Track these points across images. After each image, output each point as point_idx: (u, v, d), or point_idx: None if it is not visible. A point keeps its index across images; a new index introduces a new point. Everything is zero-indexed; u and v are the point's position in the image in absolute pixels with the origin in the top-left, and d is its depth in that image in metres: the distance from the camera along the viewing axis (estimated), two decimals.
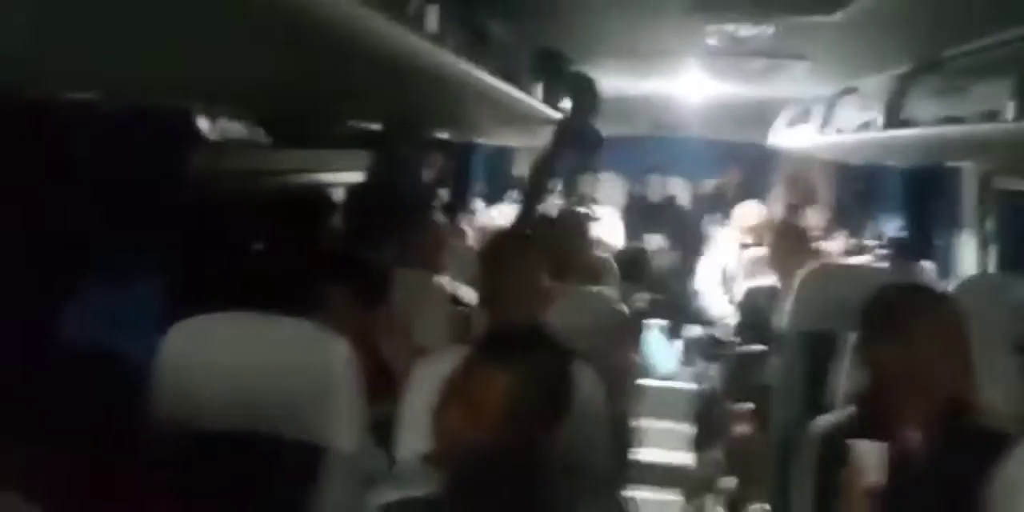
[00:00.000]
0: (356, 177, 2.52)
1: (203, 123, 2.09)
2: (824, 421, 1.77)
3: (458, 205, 3.97)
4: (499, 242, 2.07)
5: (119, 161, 1.35)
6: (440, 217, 2.91)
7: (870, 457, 1.53)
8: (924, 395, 1.58)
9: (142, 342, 1.56)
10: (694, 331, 3.46)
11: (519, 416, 1.30)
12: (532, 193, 4.00)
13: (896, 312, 1.64)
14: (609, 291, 2.53)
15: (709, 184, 5.83)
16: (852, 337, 2.07)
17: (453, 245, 2.85)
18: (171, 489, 1.35)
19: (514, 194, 4.98)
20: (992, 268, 3.17)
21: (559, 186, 5.36)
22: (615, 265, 3.09)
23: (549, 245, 2.23)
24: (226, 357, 1.60)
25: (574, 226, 2.90)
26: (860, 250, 3.86)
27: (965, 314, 1.62)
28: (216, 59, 0.78)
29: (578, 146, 3.83)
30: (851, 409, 1.74)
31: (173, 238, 1.53)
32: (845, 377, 2.08)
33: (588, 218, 3.65)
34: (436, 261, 2.71)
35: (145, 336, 1.57)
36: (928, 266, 3.37)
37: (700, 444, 3.77)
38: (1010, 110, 1.91)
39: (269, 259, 2.18)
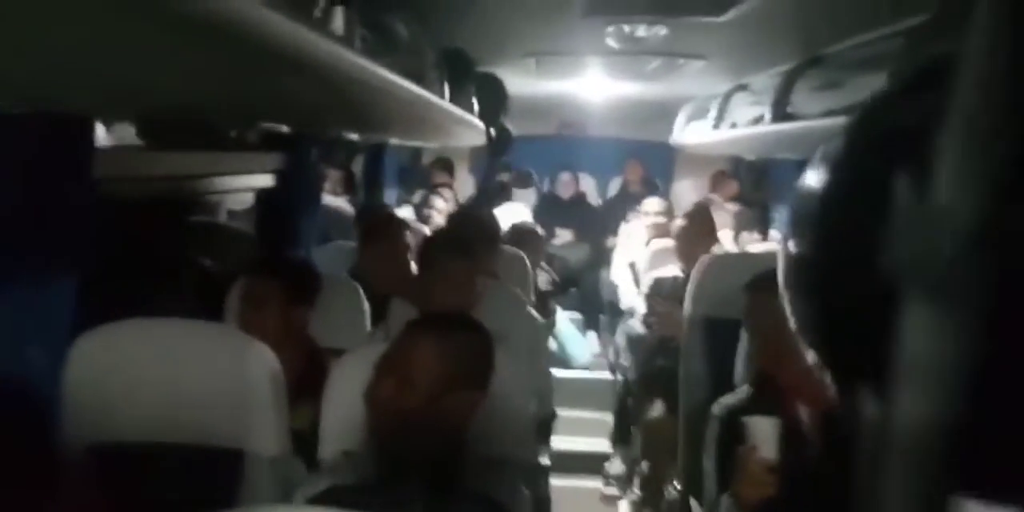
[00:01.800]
0: (266, 180, 2.50)
1: (103, 129, 2.05)
2: (724, 402, 1.88)
3: (373, 205, 3.97)
4: (434, 241, 2.16)
5: (18, 167, 1.32)
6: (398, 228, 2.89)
7: (765, 432, 1.57)
8: (801, 368, 1.70)
9: (50, 352, 1.52)
10: (630, 325, 3.56)
11: (444, 387, 1.36)
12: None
13: (753, 292, 1.78)
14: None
15: (615, 180, 6.00)
16: None
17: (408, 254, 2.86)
18: (87, 502, 1.34)
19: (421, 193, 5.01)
20: None
21: (473, 184, 5.44)
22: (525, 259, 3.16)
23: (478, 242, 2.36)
24: (138, 365, 1.59)
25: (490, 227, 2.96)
26: (764, 241, 4.05)
27: None
28: (116, 63, 0.79)
29: (490, 145, 3.88)
30: (747, 388, 1.85)
31: (76, 246, 1.50)
32: (743, 360, 2.20)
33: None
34: (391, 274, 2.72)
35: (53, 346, 1.53)
36: None
37: (617, 436, 3.87)
38: None
39: (184, 262, 2.15)
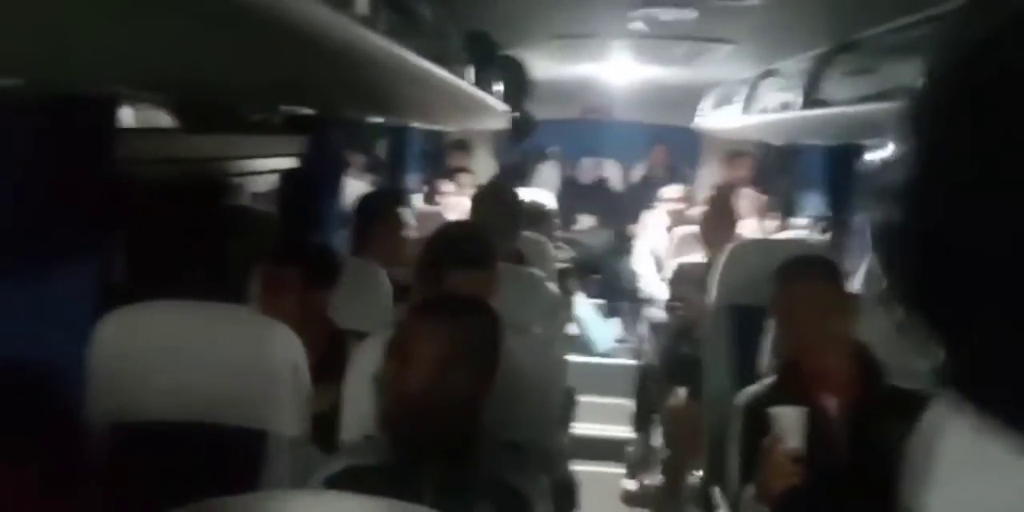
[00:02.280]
0: (289, 163, 2.50)
1: (128, 111, 2.06)
2: (748, 391, 1.86)
3: (396, 189, 3.96)
4: (438, 252, 2.05)
5: (42, 149, 1.32)
6: (394, 206, 2.89)
7: (790, 423, 1.56)
8: (827, 357, 1.67)
9: (73, 332, 1.54)
10: (653, 312, 3.55)
11: (447, 369, 1.35)
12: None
13: (782, 280, 1.75)
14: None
15: (640, 166, 5.94)
16: None
17: (407, 234, 2.86)
18: (110, 481, 1.35)
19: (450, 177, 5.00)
20: None
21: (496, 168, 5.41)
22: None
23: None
24: (161, 346, 1.59)
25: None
26: (787, 227, 4.00)
27: (833, 278, 1.73)
28: (141, 46, 0.78)
29: (512, 129, 3.86)
30: (772, 378, 1.83)
31: (99, 227, 1.51)
32: (768, 348, 2.18)
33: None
34: (391, 251, 2.73)
35: (76, 327, 1.55)
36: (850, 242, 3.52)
37: (638, 422, 3.86)
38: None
39: (204, 243, 2.16)
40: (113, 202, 1.44)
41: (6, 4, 0.56)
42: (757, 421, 1.68)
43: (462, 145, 5.22)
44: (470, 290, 1.71)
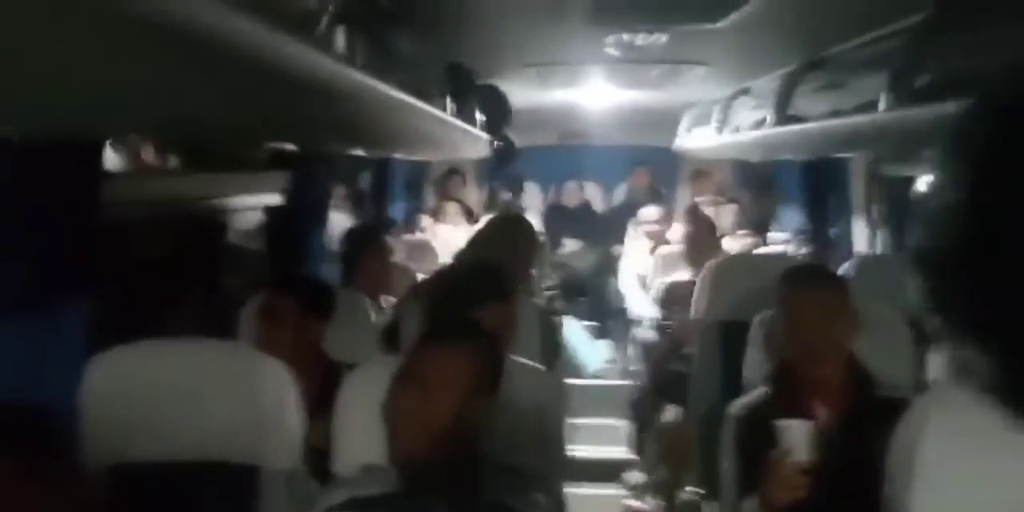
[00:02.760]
0: (274, 199, 2.52)
1: (115, 153, 2.08)
2: (741, 403, 1.87)
3: (380, 221, 3.99)
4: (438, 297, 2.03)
5: (28, 193, 1.34)
6: (380, 237, 2.93)
7: (798, 436, 1.55)
8: (820, 367, 1.70)
9: (65, 374, 1.54)
10: (642, 332, 3.56)
11: (465, 394, 1.36)
12: None
13: (789, 286, 1.77)
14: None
15: (621, 187, 6.00)
16: (755, 322, 2.19)
17: (394, 265, 2.89)
18: None
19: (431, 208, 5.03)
20: (881, 250, 3.38)
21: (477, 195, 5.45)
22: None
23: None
24: (153, 385, 1.59)
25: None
26: (765, 242, 4.05)
27: (842, 289, 1.76)
28: (125, 90, 0.80)
29: (494, 157, 3.90)
30: (763, 390, 1.84)
31: (87, 269, 1.52)
32: (754, 360, 2.19)
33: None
34: (379, 281, 2.75)
35: (67, 368, 1.55)
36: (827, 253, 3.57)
37: (641, 443, 3.85)
38: (883, 102, 2.06)
39: (193, 280, 2.17)
40: (102, 244, 1.46)
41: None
42: (754, 432, 1.68)
43: (454, 174, 5.26)
44: (493, 324, 1.68)
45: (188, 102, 0.93)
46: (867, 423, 1.60)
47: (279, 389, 1.60)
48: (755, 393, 1.86)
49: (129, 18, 0.62)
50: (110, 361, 1.60)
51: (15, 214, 1.31)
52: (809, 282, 1.77)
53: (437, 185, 5.30)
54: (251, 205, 2.50)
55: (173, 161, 2.32)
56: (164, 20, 0.61)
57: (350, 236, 2.92)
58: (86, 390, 1.54)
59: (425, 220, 4.57)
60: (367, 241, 2.84)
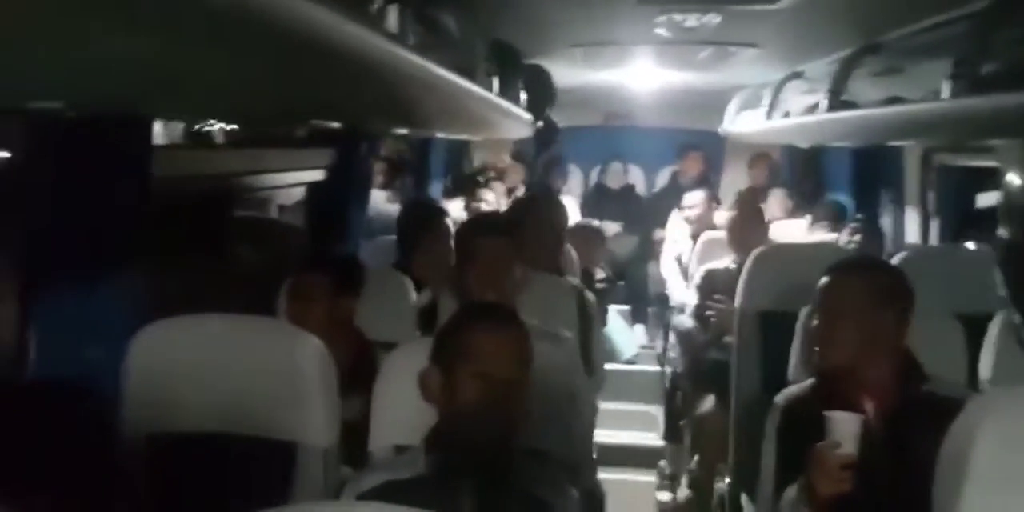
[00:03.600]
0: (316, 175, 2.53)
1: (163, 128, 2.09)
2: (788, 392, 1.83)
3: (421, 200, 3.99)
4: (475, 229, 2.10)
5: (79, 167, 1.35)
6: (441, 217, 2.90)
7: (847, 428, 1.53)
8: (874, 361, 1.65)
9: (109, 347, 1.56)
10: (680, 319, 3.53)
11: (517, 375, 1.37)
12: None
13: (835, 279, 1.72)
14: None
15: (666, 171, 5.91)
16: (804, 313, 2.15)
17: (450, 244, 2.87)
18: (146, 491, 1.36)
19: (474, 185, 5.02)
20: (935, 240, 3.29)
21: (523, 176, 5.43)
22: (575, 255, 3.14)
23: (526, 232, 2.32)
24: (195, 359, 1.61)
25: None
26: (816, 230, 3.97)
27: (883, 280, 1.70)
28: (176, 65, 0.80)
29: (536, 137, 3.87)
30: (812, 381, 1.80)
31: (133, 243, 1.53)
32: (800, 352, 2.16)
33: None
34: (439, 261, 2.74)
35: (112, 341, 1.57)
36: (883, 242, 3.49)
37: (669, 433, 3.83)
38: (945, 90, 1.99)
39: (240, 257, 2.19)
40: (148, 218, 1.47)
41: (51, 34, 0.58)
42: (799, 423, 1.65)
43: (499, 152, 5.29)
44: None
45: (238, 84, 0.92)
46: (915, 421, 1.57)
47: (317, 366, 1.61)
48: (803, 384, 1.82)
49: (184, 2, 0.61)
50: (154, 335, 1.62)
51: (65, 186, 1.32)
52: (853, 274, 1.71)
53: (485, 170, 5.30)
54: (294, 181, 2.51)
55: (219, 136, 2.33)
56: (220, 3, 0.60)
57: (411, 214, 2.91)
58: (129, 362, 1.56)
59: (487, 195, 4.56)
60: (429, 220, 2.82)
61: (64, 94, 0.88)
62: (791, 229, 3.93)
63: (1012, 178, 0.51)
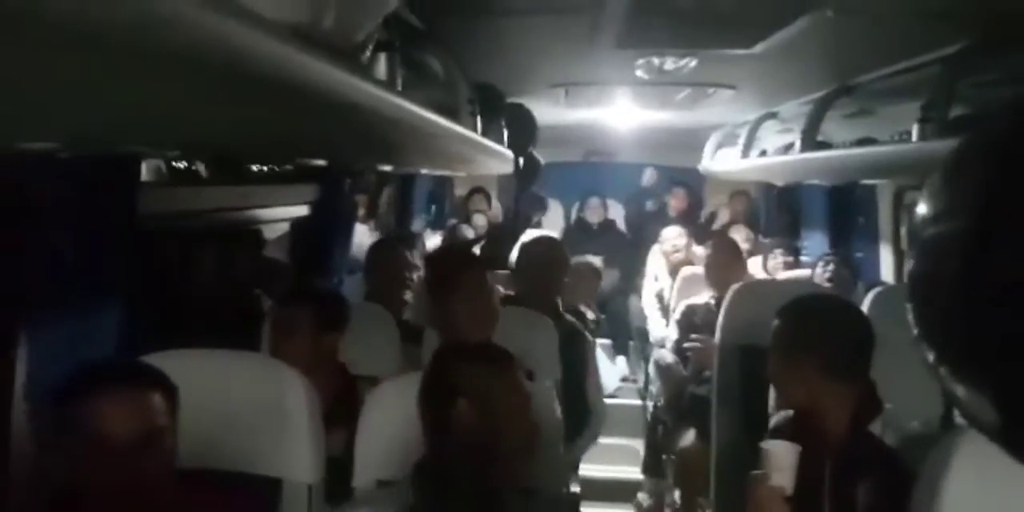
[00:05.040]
0: (300, 211, 2.55)
1: (149, 166, 2.11)
2: (773, 422, 1.84)
3: (403, 234, 4.01)
4: (452, 265, 2.11)
5: (68, 206, 1.37)
6: (396, 248, 2.96)
7: (780, 459, 1.51)
8: (823, 393, 1.65)
9: None
10: (661, 353, 3.54)
11: (524, 412, 1.39)
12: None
13: (785, 317, 1.74)
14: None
15: (648, 206, 5.99)
16: None
17: (411, 277, 2.91)
18: None
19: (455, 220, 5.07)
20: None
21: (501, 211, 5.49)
22: None
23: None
24: (181, 394, 1.61)
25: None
26: (792, 265, 4.02)
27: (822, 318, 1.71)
28: (165, 112, 0.82)
29: (518, 173, 3.92)
30: (789, 413, 1.81)
31: (122, 280, 1.54)
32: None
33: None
34: (395, 293, 2.77)
35: None
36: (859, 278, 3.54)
37: (649, 467, 3.82)
38: (915, 132, 2.06)
39: (222, 291, 2.19)
40: (135, 255, 1.48)
41: (37, 78, 0.60)
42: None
43: (478, 192, 5.38)
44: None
45: (225, 124, 0.95)
46: (857, 461, 1.54)
47: (302, 401, 1.61)
48: (782, 416, 1.84)
49: (178, 49, 0.64)
50: None
51: (60, 222, 1.34)
52: (794, 313, 1.73)
53: (461, 203, 5.37)
54: (278, 217, 2.52)
55: (203, 172, 2.35)
56: (216, 53, 0.63)
57: (370, 250, 2.96)
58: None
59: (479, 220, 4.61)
60: (384, 252, 2.87)
61: (57, 136, 0.91)
62: (752, 266, 3.97)
63: (922, 208, 0.53)
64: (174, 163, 2.41)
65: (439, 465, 1.39)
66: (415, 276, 2.93)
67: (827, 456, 1.59)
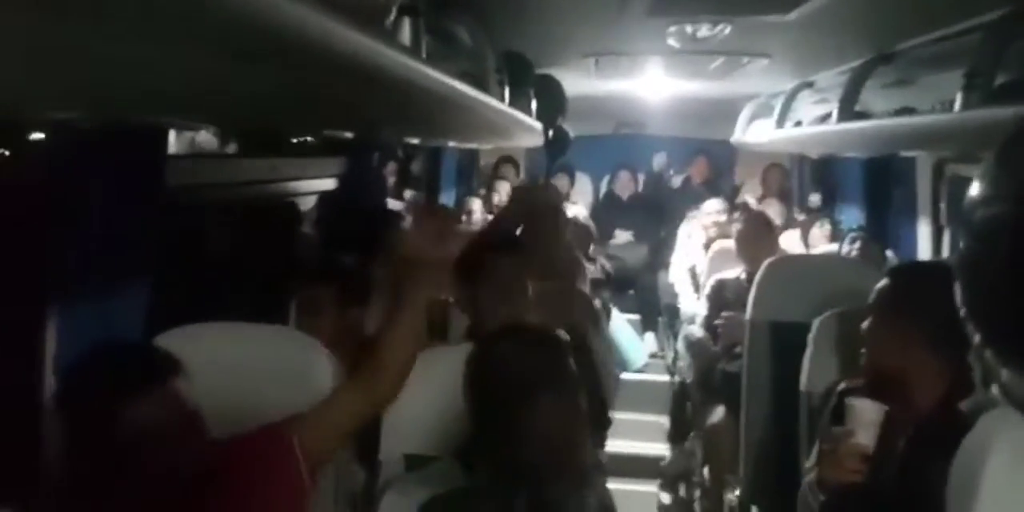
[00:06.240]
0: (328, 184, 2.54)
1: (176, 138, 2.11)
2: (825, 383, 1.81)
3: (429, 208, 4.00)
4: (487, 246, 2.08)
5: (96, 177, 1.37)
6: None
7: (865, 417, 1.49)
8: (919, 364, 1.60)
9: None
10: (690, 329, 3.51)
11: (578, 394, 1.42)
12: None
13: (898, 278, 1.67)
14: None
15: (676, 180, 5.92)
16: (817, 323, 2.14)
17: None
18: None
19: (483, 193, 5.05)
20: (947, 252, 3.27)
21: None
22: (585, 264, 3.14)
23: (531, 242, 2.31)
24: (208, 367, 1.62)
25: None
26: (827, 239, 3.95)
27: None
28: (193, 75, 0.80)
29: (546, 146, 3.87)
30: (861, 379, 1.75)
31: (150, 252, 1.55)
32: (815, 361, 2.14)
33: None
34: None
35: None
36: (890, 254, 3.47)
37: (674, 437, 3.83)
38: (958, 101, 1.98)
39: (251, 264, 2.20)
40: (163, 227, 1.48)
41: (63, 45, 0.59)
42: (834, 409, 1.61)
43: (506, 163, 5.33)
44: None
45: (253, 94, 0.93)
46: (939, 434, 1.53)
47: (328, 375, 1.62)
48: (853, 379, 1.79)
49: (201, 14, 0.62)
50: (169, 342, 1.62)
51: (86, 195, 1.34)
52: (912, 276, 1.65)
53: (489, 174, 5.34)
54: (306, 190, 2.52)
55: (232, 146, 2.35)
56: (240, 17, 0.61)
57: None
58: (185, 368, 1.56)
59: (475, 203, 4.58)
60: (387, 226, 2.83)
61: (81, 104, 0.89)
62: (786, 241, 3.91)
63: (974, 190, 0.50)
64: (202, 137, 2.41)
65: (492, 449, 1.39)
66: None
67: (909, 425, 1.55)
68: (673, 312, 4.50)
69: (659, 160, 5.72)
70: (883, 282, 1.66)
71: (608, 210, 5.57)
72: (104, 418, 1.18)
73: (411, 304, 1.51)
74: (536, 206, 2.56)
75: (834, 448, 1.50)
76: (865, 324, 1.66)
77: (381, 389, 1.50)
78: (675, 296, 4.35)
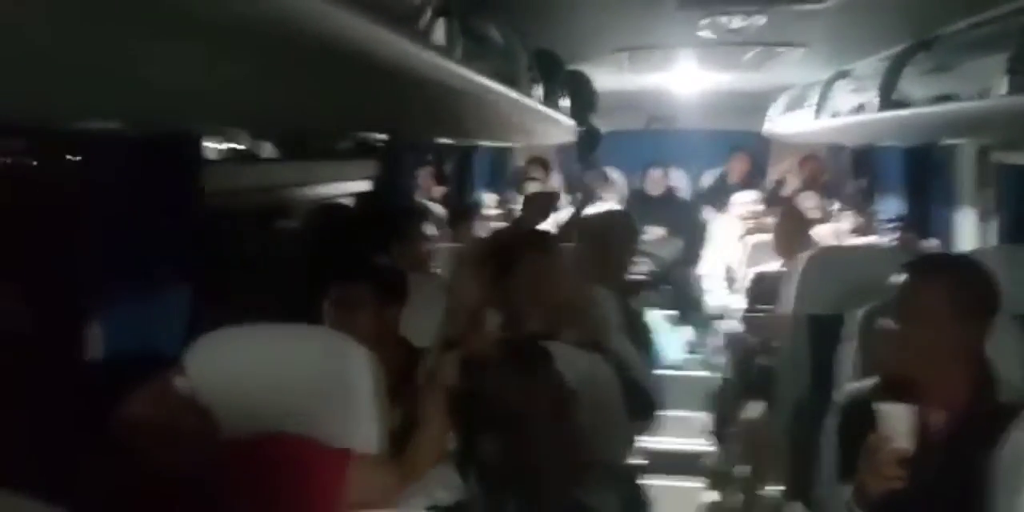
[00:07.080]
0: (362, 186, 2.56)
1: (212, 143, 2.13)
2: (850, 387, 1.77)
3: (461, 207, 4.01)
4: (521, 244, 2.07)
5: (134, 184, 1.39)
6: (428, 226, 2.93)
7: (900, 421, 1.45)
8: (946, 367, 1.56)
9: (168, 352, 1.60)
10: (727, 323, 3.48)
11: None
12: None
13: (911, 279, 1.62)
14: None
15: (710, 174, 5.85)
16: (858, 315, 2.10)
17: (436, 254, 2.90)
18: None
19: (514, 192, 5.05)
20: (992, 241, 3.20)
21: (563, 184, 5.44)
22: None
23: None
24: (248, 368, 1.64)
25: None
26: (866, 230, 3.89)
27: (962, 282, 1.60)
28: (228, 86, 0.81)
29: (578, 143, 3.86)
30: (876, 379, 1.72)
31: (188, 255, 1.57)
32: (848, 356, 2.10)
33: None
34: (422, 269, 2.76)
35: (168, 350, 1.61)
36: (933, 243, 3.40)
37: (720, 434, 3.78)
38: (1002, 86, 1.94)
39: (288, 266, 2.21)
40: (200, 231, 1.50)
41: (97, 54, 0.60)
42: (858, 419, 1.56)
43: (540, 161, 5.33)
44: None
45: (288, 96, 0.94)
46: (982, 427, 1.49)
47: (366, 375, 1.63)
48: (865, 381, 1.76)
49: (237, 16, 0.62)
50: (207, 345, 1.65)
51: (126, 201, 1.36)
52: (931, 274, 1.61)
53: (520, 173, 5.33)
54: (340, 192, 2.53)
55: (267, 150, 2.37)
56: (274, 20, 0.61)
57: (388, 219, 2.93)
58: (187, 370, 1.59)
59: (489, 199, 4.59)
60: (403, 224, 2.83)
61: (121, 113, 0.91)
62: (823, 233, 3.85)
63: None
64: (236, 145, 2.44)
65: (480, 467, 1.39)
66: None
67: (940, 424, 1.53)
68: (707, 307, 4.46)
69: (652, 179, 5.65)
70: (906, 278, 1.61)
71: (638, 207, 5.53)
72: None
73: (436, 414, 1.54)
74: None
75: (872, 456, 1.46)
76: (884, 322, 1.62)
77: (414, 477, 1.54)
78: (711, 291, 4.31)
